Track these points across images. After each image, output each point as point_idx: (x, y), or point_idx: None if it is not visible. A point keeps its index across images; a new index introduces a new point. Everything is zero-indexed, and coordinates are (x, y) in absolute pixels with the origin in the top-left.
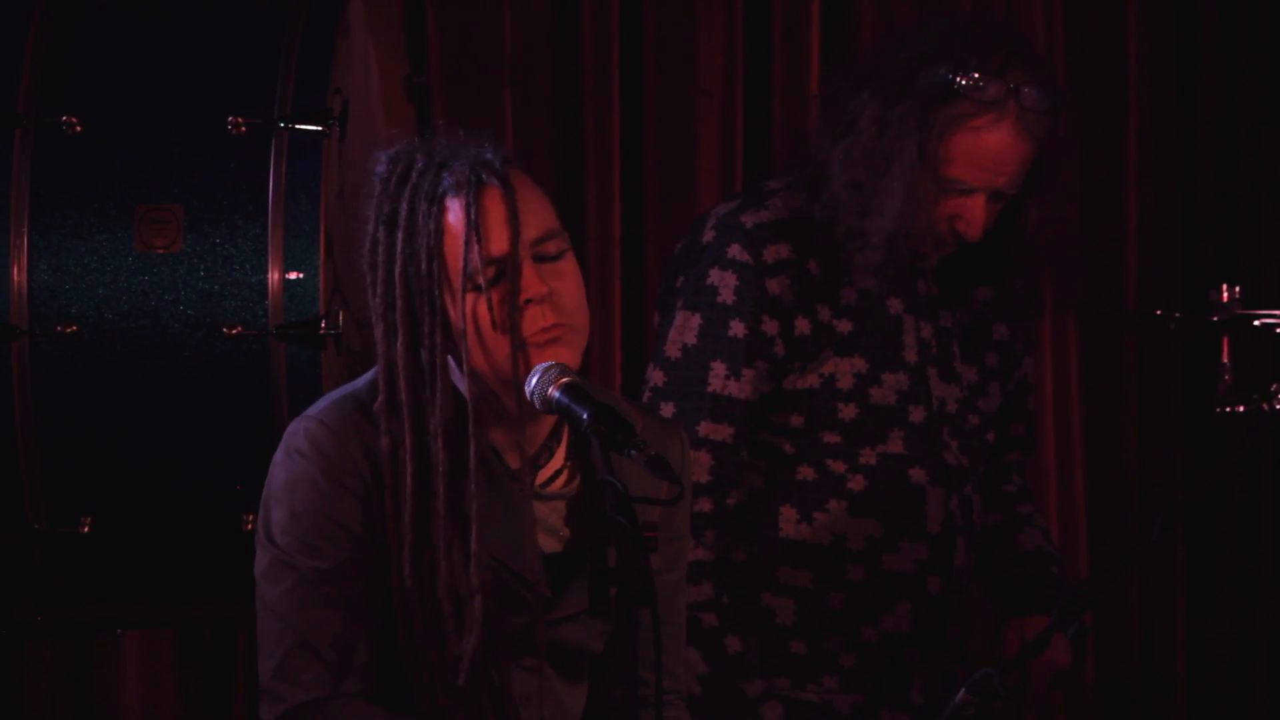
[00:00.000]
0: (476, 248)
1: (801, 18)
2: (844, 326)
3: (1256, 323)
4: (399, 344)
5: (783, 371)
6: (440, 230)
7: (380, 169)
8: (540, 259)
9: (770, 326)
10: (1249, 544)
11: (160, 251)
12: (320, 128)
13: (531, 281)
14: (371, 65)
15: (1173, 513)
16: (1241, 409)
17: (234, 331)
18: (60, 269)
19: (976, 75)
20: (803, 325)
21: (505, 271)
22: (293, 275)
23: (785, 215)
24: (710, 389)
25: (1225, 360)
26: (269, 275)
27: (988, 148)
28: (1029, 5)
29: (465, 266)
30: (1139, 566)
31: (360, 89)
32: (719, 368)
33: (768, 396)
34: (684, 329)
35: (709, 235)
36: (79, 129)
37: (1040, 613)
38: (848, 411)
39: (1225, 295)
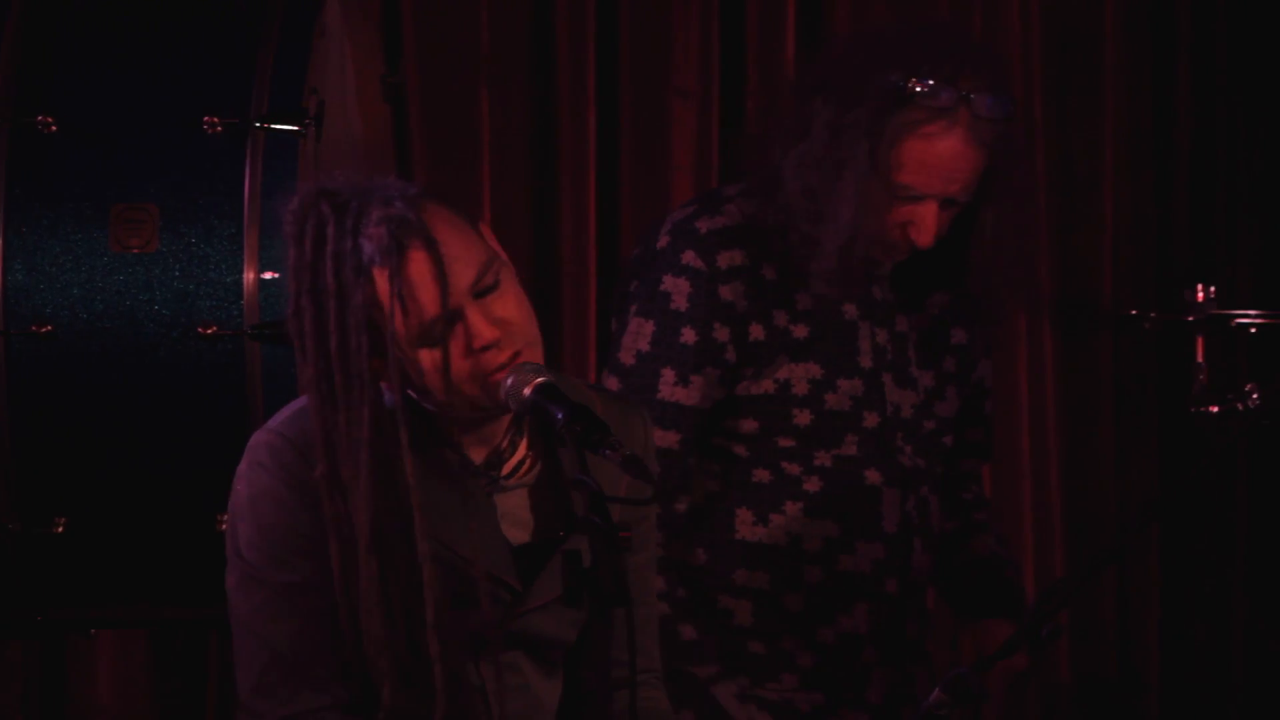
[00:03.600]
0: (406, 318)
1: (777, 18)
2: (799, 332)
3: (1231, 322)
4: (340, 419)
5: (736, 378)
6: (372, 303)
7: (288, 229)
8: (480, 294)
9: (721, 333)
10: (1224, 543)
11: (135, 251)
12: (296, 128)
13: (482, 329)
14: (348, 65)
15: (1148, 512)
16: (1216, 409)
17: (209, 331)
18: (35, 269)
19: (929, 81)
20: (757, 331)
21: (450, 322)
22: (268, 275)
23: (740, 221)
24: (660, 396)
25: (1200, 360)
26: (244, 275)
27: (939, 155)
28: (1005, 6)
29: (406, 334)
30: (1115, 565)
31: (336, 89)
32: (669, 374)
33: (721, 403)
34: (638, 335)
35: (663, 240)
36: (54, 128)
37: (997, 616)
38: (802, 417)
39: (1200, 295)
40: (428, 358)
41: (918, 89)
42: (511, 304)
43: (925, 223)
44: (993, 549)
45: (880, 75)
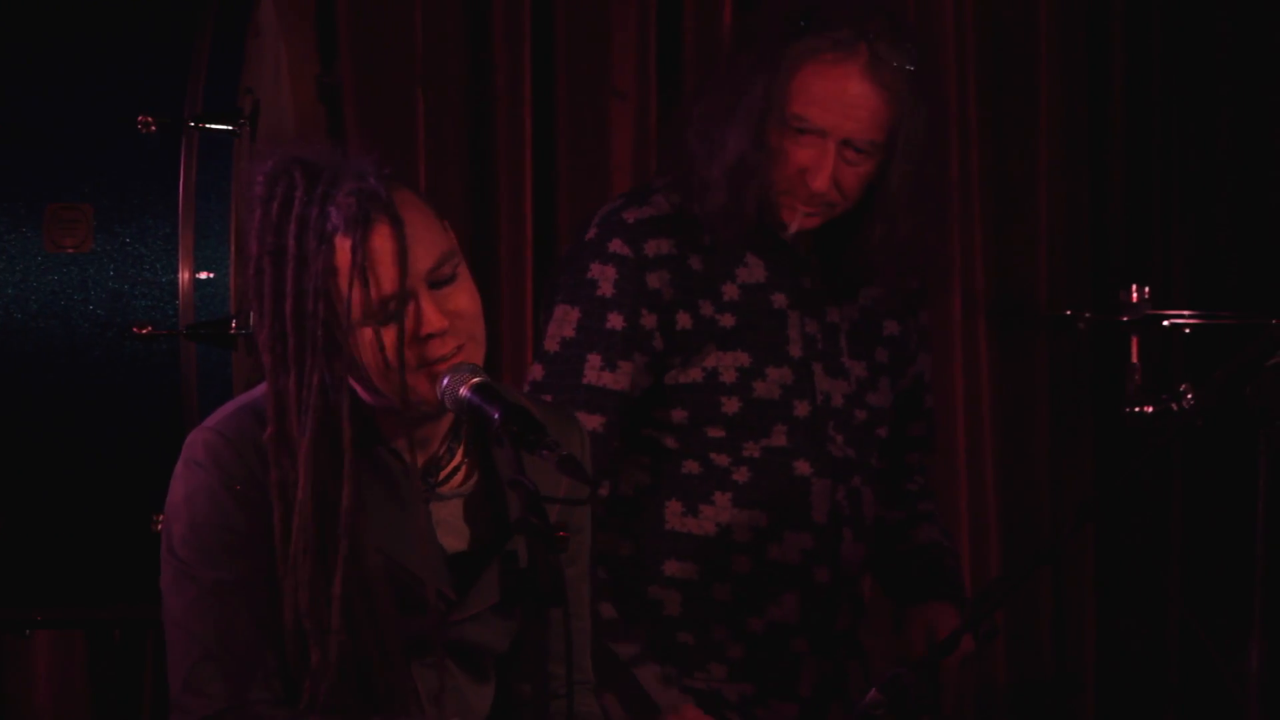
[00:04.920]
0: (367, 289)
1: (713, 17)
2: (727, 320)
3: (1166, 323)
4: (290, 381)
5: (663, 366)
6: (332, 270)
7: (258, 190)
8: (436, 284)
9: (648, 320)
10: (1158, 543)
11: (70, 251)
12: (231, 127)
13: (431, 316)
14: (282, 65)
15: (1083, 512)
16: (1151, 409)
17: (144, 331)
18: None
19: (827, 16)
20: (684, 320)
21: (402, 302)
22: (203, 275)
23: (668, 211)
24: (585, 380)
25: (1135, 360)
26: (179, 275)
27: (835, 85)
28: (940, 5)
29: (359, 307)
30: (1050, 566)
31: (271, 89)
32: (594, 359)
33: (649, 392)
34: (563, 322)
35: (591, 232)
36: None
37: (940, 599)
38: (730, 405)
39: (1135, 295)
40: (372, 336)
41: (817, 22)
42: (464, 299)
43: (822, 164)
44: (934, 537)
45: (781, 12)
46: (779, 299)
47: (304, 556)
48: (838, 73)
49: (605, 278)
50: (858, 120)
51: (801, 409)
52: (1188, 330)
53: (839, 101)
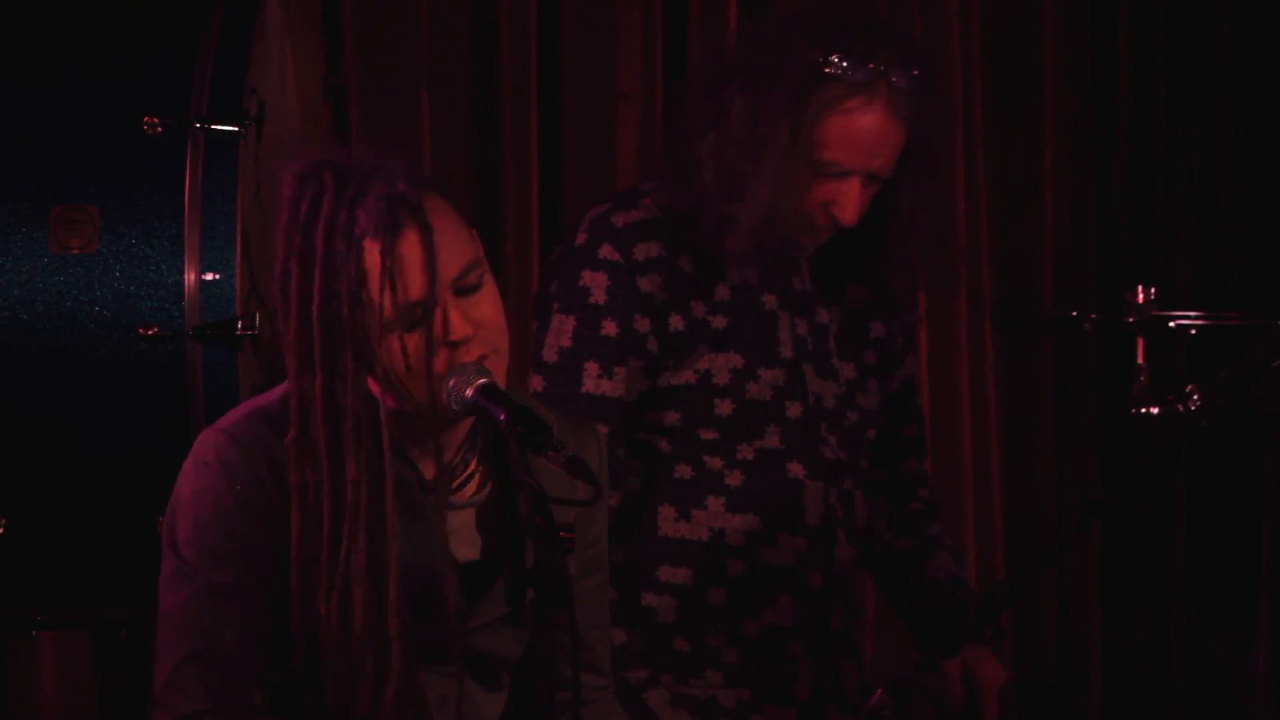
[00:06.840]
0: (393, 295)
1: (719, 19)
2: (719, 322)
3: (1171, 324)
4: (316, 383)
5: (657, 369)
6: (361, 274)
7: (286, 190)
8: (462, 292)
9: (642, 324)
10: (1164, 544)
11: (75, 252)
12: (237, 128)
13: (457, 323)
14: (288, 66)
15: (1089, 513)
16: (1156, 410)
17: (150, 332)
18: None
19: (845, 59)
20: (676, 322)
21: (428, 309)
22: (209, 276)
23: (656, 214)
24: (584, 389)
25: (1140, 361)
26: (185, 276)
27: (861, 129)
28: (945, 6)
29: (382, 314)
30: (1056, 566)
31: (277, 90)
32: (592, 368)
33: (644, 395)
34: (559, 332)
35: (581, 238)
36: None
37: (975, 643)
38: (724, 407)
39: (1140, 296)
40: (396, 342)
41: (836, 66)
42: (489, 309)
43: (849, 199)
44: (949, 570)
45: (797, 54)
46: (769, 300)
47: (345, 560)
48: (864, 120)
49: (597, 285)
50: (885, 157)
51: (794, 410)
52: (1193, 331)
53: (866, 144)
